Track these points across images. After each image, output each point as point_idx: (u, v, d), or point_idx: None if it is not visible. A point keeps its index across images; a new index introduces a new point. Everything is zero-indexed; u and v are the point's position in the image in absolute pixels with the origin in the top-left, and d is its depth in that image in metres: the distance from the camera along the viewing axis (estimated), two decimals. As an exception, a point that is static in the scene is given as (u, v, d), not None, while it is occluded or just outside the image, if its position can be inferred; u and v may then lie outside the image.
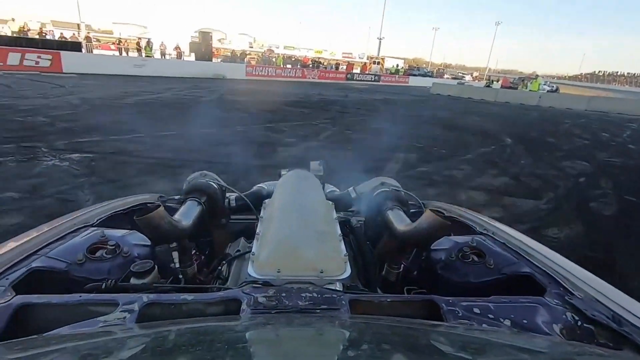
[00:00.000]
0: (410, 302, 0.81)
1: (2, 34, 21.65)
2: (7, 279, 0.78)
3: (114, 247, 0.95)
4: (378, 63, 45.66)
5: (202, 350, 0.44)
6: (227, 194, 1.44)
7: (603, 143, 10.06)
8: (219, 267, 1.18)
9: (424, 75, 44.78)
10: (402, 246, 1.14)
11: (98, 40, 34.69)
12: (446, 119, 12.90)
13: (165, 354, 0.45)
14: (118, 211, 1.25)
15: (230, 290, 0.79)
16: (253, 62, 32.67)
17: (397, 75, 40.24)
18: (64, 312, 0.70)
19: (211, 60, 27.51)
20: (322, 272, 0.82)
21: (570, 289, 0.83)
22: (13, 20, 27.41)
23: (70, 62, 18.24)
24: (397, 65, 46.91)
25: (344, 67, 41.21)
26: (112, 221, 1.18)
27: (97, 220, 1.13)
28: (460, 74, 68.98)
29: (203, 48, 27.39)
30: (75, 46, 21.08)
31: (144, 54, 24.01)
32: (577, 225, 4.13)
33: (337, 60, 47.90)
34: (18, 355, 0.48)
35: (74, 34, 26.56)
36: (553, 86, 41.49)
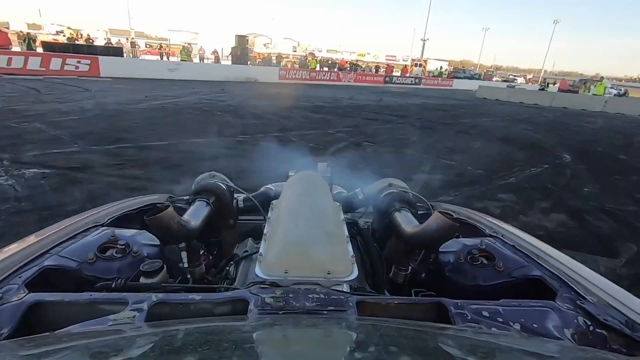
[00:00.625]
0: (418, 305, 0.79)
1: (55, 41, 23.12)
2: (20, 277, 0.79)
3: (124, 246, 0.95)
4: (420, 65, 43.39)
5: (210, 350, 0.45)
6: (235, 195, 1.44)
7: (696, 162, 7.95)
8: (227, 268, 1.17)
9: (470, 77, 41.92)
10: (410, 248, 1.15)
11: (151, 46, 36.38)
12: (489, 128, 11.19)
13: (173, 353, 0.46)
14: (128, 211, 1.26)
15: (237, 291, 0.79)
16: (289, 66, 32.33)
17: (440, 78, 37.88)
18: (75, 310, 0.71)
19: (247, 64, 27.42)
20: (329, 274, 0.82)
21: (582, 293, 0.81)
22: (68, 28, 29.39)
23: (107, 66, 18.73)
24: (441, 68, 44.27)
25: (384, 70, 39.61)
26: (122, 221, 1.19)
27: (108, 220, 1.14)
28: (511, 76, 64.34)
29: (239, 52, 27.42)
30: (117, 51, 21.90)
31: (179, 58, 24.37)
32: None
33: (379, 63, 46.42)
34: (30, 352, 0.50)
35: (118, 40, 27.77)
36: (621, 89, 36.84)
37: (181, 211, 1.16)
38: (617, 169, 6.94)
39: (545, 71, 72.66)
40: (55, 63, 17.64)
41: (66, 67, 17.83)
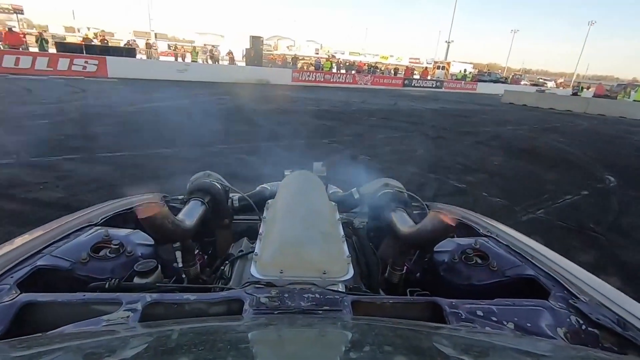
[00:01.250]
0: (412, 304, 0.79)
1: (68, 41, 23.23)
2: (12, 277, 0.78)
3: (117, 246, 0.94)
4: (443, 68, 41.49)
5: (205, 350, 0.44)
6: (230, 195, 1.44)
7: None
8: (222, 267, 1.17)
9: (496, 81, 39.70)
10: (405, 248, 1.15)
11: (176, 48, 36.45)
12: (514, 139, 9.79)
13: (167, 354, 0.45)
14: (122, 211, 1.24)
15: (232, 291, 0.79)
16: (306, 68, 31.47)
17: (463, 81, 35.97)
18: (68, 310, 0.71)
19: (261, 65, 26.71)
20: (324, 273, 0.82)
21: (575, 292, 0.82)
22: (78, 30, 29.69)
23: (115, 67, 18.40)
24: (465, 70, 42.14)
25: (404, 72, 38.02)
26: (116, 221, 1.17)
27: (101, 220, 1.13)
28: (540, 80, 61.20)
29: (252, 53, 26.76)
30: (129, 52, 21.68)
31: (189, 59, 23.91)
32: None
33: (402, 65, 44.90)
34: (22, 353, 0.49)
35: (134, 41, 27.72)
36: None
37: (176, 211, 1.16)
38: (678, 196, 5.51)
39: (578, 75, 68.83)
40: (63, 63, 17.43)
41: (74, 68, 17.59)
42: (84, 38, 25.14)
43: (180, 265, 1.14)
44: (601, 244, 3.68)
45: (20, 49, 18.40)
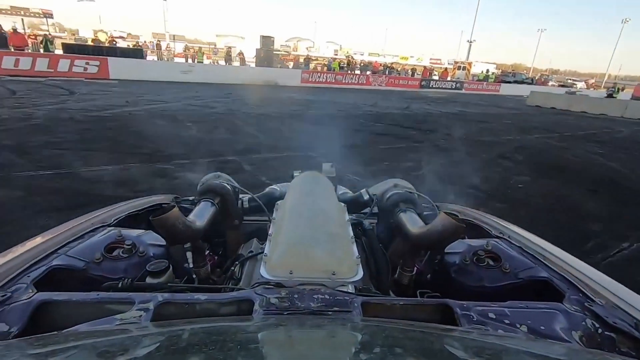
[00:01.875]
0: (423, 306, 0.79)
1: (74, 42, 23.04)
2: (28, 276, 0.80)
3: (130, 246, 0.95)
4: (464, 68, 39.46)
5: (215, 350, 0.45)
6: (240, 196, 1.45)
7: None
8: (232, 268, 1.17)
9: (521, 82, 37.41)
10: (416, 249, 1.14)
11: (186, 49, 36.28)
12: (542, 150, 8.32)
13: (178, 353, 0.46)
14: (134, 211, 1.26)
15: (242, 291, 0.78)
16: (319, 68, 30.39)
17: (485, 82, 33.96)
18: (82, 309, 0.71)
19: (271, 66, 25.81)
20: (334, 274, 0.81)
21: (590, 295, 0.81)
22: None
23: (117, 68, 17.87)
24: (487, 71, 39.91)
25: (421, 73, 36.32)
26: (128, 221, 1.20)
27: (114, 220, 1.15)
28: (569, 81, 57.84)
29: (262, 53, 25.92)
30: (137, 53, 21.23)
31: (195, 60, 23.26)
32: None
33: (416, 65, 43.17)
34: (38, 350, 0.50)
35: (144, 42, 27.44)
36: None
37: (187, 211, 1.15)
38: None
39: (609, 75, 64.81)
40: (63, 64, 17.01)
41: (74, 69, 17.14)
42: (92, 39, 24.95)
43: (191, 265, 1.16)
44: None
45: (25, 49, 18.18)
